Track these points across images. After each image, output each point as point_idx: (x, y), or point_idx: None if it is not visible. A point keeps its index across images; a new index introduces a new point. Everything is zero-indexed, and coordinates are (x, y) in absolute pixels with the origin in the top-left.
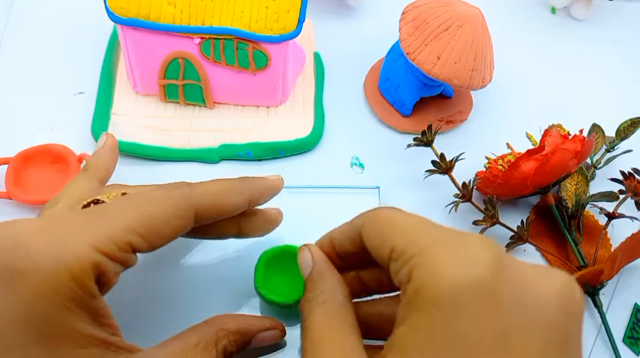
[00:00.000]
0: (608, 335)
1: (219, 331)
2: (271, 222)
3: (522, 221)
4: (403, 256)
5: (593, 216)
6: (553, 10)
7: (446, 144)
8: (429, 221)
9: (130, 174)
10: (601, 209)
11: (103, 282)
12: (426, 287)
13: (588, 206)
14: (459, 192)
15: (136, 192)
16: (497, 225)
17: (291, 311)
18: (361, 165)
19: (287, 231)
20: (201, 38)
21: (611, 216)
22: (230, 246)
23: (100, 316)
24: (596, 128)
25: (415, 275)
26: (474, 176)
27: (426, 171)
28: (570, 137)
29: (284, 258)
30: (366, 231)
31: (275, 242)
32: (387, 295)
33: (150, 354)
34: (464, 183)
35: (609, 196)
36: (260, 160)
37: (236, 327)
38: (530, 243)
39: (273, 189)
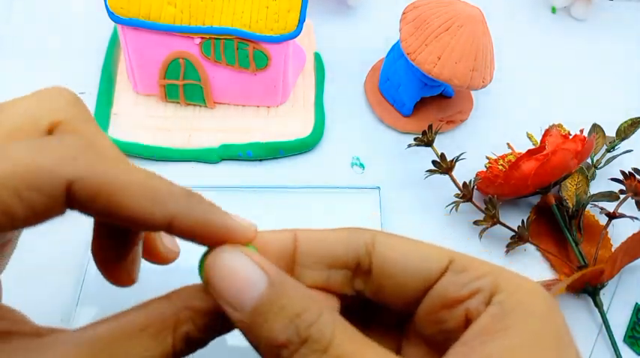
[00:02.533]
0: (608, 335)
1: (182, 310)
2: (158, 257)
3: (523, 221)
4: (474, 270)
5: (593, 215)
6: (553, 10)
7: (446, 144)
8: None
9: None
10: (601, 209)
11: None
12: (526, 300)
13: (589, 206)
14: (459, 192)
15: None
16: (498, 224)
17: None
18: (361, 165)
19: None
20: (202, 38)
21: (611, 216)
22: None
23: None
24: (596, 128)
25: (509, 288)
26: (474, 176)
27: (427, 171)
28: (571, 137)
29: None
30: (390, 244)
31: None
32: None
33: (62, 340)
34: (464, 183)
35: (610, 196)
36: (260, 160)
37: (210, 305)
38: (531, 243)
39: (228, 231)
